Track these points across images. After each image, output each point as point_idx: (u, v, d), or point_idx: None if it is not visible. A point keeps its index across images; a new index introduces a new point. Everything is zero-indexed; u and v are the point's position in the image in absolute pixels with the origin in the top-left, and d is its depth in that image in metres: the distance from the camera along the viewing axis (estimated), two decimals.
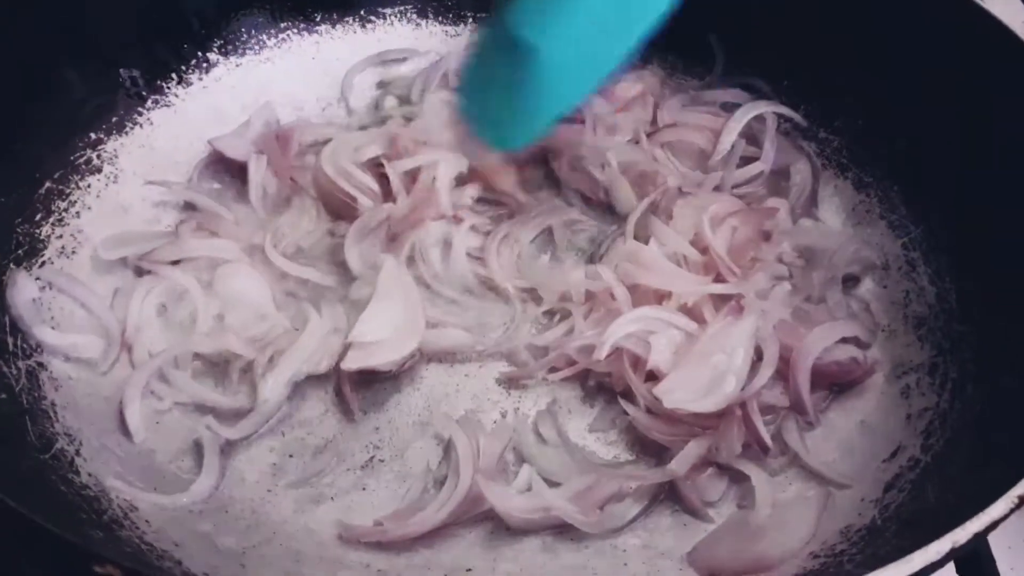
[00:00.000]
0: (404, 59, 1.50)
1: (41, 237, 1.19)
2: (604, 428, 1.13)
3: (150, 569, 0.86)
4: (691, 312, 1.15)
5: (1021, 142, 1.14)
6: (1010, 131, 1.15)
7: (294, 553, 1.01)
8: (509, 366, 1.18)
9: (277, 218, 1.28)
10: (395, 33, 1.52)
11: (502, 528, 1.03)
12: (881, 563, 0.76)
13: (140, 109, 1.34)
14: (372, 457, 1.10)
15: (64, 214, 1.22)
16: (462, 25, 1.54)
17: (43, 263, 1.18)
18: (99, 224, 1.24)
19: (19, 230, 1.17)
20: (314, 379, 1.14)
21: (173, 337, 1.17)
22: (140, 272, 1.21)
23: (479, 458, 1.05)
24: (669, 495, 1.07)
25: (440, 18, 1.54)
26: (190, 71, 1.40)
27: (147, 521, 0.98)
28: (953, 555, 0.74)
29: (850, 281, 1.25)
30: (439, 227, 1.25)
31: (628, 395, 1.11)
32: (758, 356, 1.09)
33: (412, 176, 1.28)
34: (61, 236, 1.21)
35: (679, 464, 1.05)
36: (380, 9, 1.51)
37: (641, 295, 1.17)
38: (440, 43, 1.52)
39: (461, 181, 1.30)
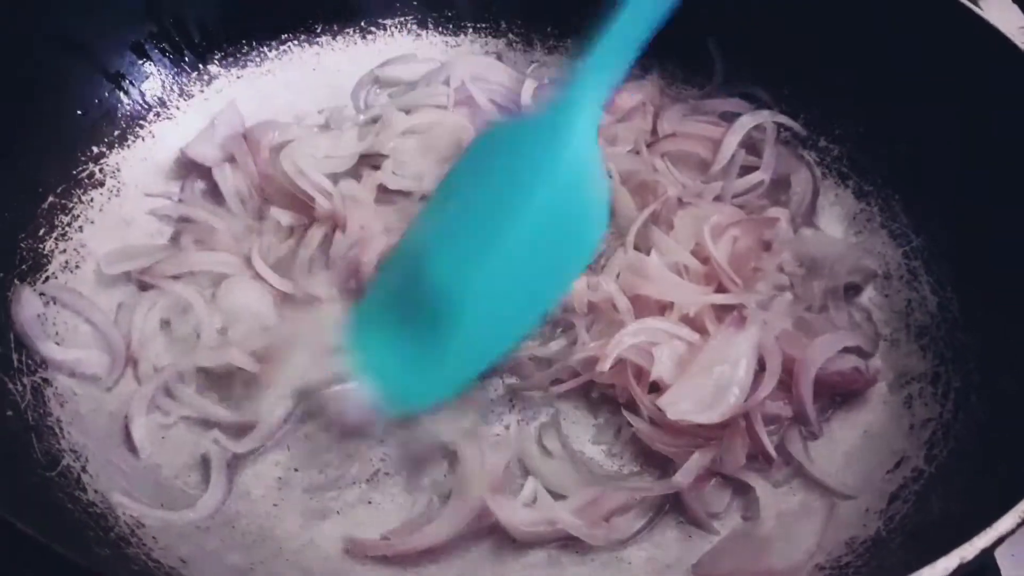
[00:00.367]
0: (405, 63, 1.50)
1: (45, 252, 1.19)
2: (608, 440, 1.14)
3: None
4: (693, 322, 1.15)
5: (1021, 150, 1.14)
6: (1010, 139, 1.16)
7: (301, 568, 1.01)
8: (512, 378, 1.18)
9: (261, 222, 1.28)
10: (395, 44, 1.52)
11: (507, 541, 1.04)
12: None
13: (142, 122, 1.35)
14: (378, 471, 1.10)
15: (67, 228, 1.22)
16: (462, 35, 1.54)
17: (47, 278, 1.18)
18: (102, 238, 1.24)
19: (23, 245, 1.17)
20: None
21: (177, 351, 1.16)
22: (143, 286, 1.21)
23: (489, 473, 1.05)
24: (674, 506, 1.07)
25: (440, 28, 1.54)
26: (191, 83, 1.40)
27: (154, 538, 0.98)
28: (961, 570, 0.75)
29: (852, 290, 1.25)
30: None
31: (632, 407, 1.11)
32: (761, 367, 1.10)
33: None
34: (64, 251, 1.21)
35: (683, 475, 1.05)
36: (380, 20, 1.51)
37: (643, 306, 1.17)
38: (440, 53, 1.53)
39: None
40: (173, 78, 1.38)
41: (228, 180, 1.31)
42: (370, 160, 1.33)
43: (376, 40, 1.51)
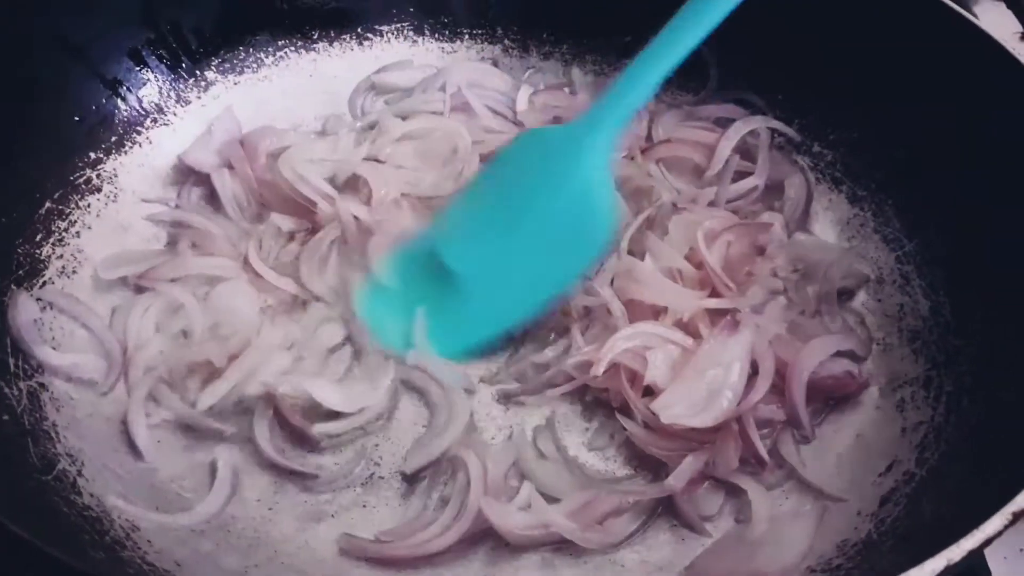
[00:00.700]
0: (401, 70, 1.51)
1: (41, 257, 1.20)
2: (602, 443, 1.14)
3: None
4: (687, 327, 1.16)
5: (1013, 155, 1.15)
6: (1003, 144, 1.16)
7: (296, 571, 1.02)
8: (509, 383, 1.18)
9: (259, 226, 1.29)
10: (392, 50, 1.53)
11: (502, 545, 1.04)
12: None
13: (139, 128, 1.35)
14: (372, 474, 1.10)
15: (64, 234, 1.23)
16: (458, 42, 1.55)
17: (44, 283, 1.18)
18: (99, 243, 1.25)
19: (19, 251, 1.18)
20: None
21: (168, 351, 1.17)
22: (140, 290, 1.22)
23: (487, 480, 1.06)
24: (667, 510, 1.07)
25: (436, 35, 1.55)
26: (188, 90, 1.41)
27: (149, 541, 0.98)
28: (948, 573, 0.75)
29: (845, 295, 1.26)
30: None
31: (626, 410, 1.12)
32: (754, 370, 1.10)
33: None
34: (61, 256, 1.21)
35: (676, 479, 1.06)
36: (377, 27, 1.52)
37: (637, 310, 1.18)
38: (437, 59, 1.54)
39: None
40: (170, 84, 1.39)
41: (226, 186, 1.32)
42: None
43: (373, 47, 1.52)
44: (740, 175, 1.35)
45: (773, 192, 1.36)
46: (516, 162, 1.26)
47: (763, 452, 1.07)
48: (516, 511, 1.05)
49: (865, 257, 1.29)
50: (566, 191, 1.18)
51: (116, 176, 1.31)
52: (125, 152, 1.33)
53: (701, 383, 1.10)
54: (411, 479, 1.09)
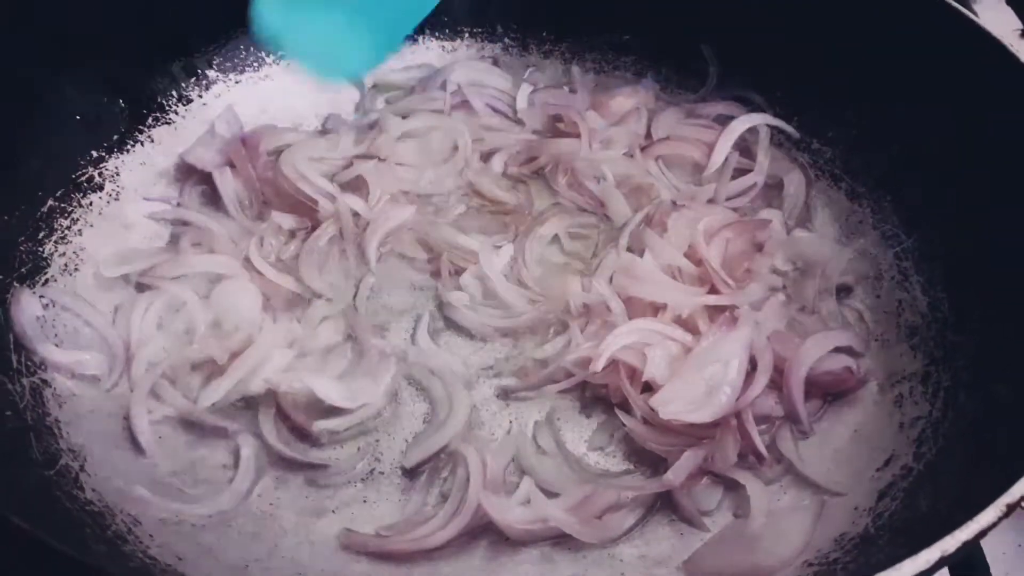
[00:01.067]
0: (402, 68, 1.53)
1: (44, 255, 1.20)
2: (601, 439, 1.14)
3: None
4: (686, 324, 1.16)
5: (1011, 152, 1.15)
6: (1001, 142, 1.17)
7: (297, 565, 1.02)
8: (509, 379, 1.19)
9: (260, 224, 1.29)
10: None
11: (502, 539, 1.05)
12: (873, 571, 0.77)
13: (140, 127, 1.36)
14: (373, 470, 1.11)
15: (66, 232, 1.24)
16: (459, 40, 1.56)
17: (46, 281, 1.19)
18: (101, 241, 1.26)
19: (22, 248, 1.18)
20: None
21: (171, 348, 1.18)
22: (142, 288, 1.22)
23: (486, 475, 1.07)
24: (666, 504, 1.08)
25: (437, 33, 1.55)
26: (190, 88, 1.41)
27: (151, 535, 0.99)
28: (942, 563, 0.76)
29: (843, 291, 1.26)
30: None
31: (625, 406, 1.12)
32: (752, 366, 1.11)
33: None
34: (64, 254, 1.22)
35: (675, 474, 1.06)
36: None
37: (636, 307, 1.18)
38: (436, 58, 1.55)
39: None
40: (172, 83, 1.39)
41: (227, 184, 1.32)
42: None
43: None
44: (739, 172, 1.36)
45: (772, 189, 1.37)
46: None
47: (761, 447, 1.08)
48: (516, 506, 1.06)
49: (864, 254, 1.29)
50: None
51: (118, 174, 1.32)
52: (127, 150, 1.34)
53: (700, 379, 1.10)
54: (411, 474, 1.10)
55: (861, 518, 1.02)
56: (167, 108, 1.39)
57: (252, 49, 1.46)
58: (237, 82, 1.45)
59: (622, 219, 1.30)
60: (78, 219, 1.25)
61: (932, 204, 1.26)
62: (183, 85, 1.40)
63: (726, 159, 1.36)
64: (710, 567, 1.02)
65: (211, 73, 1.43)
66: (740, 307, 1.15)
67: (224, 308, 1.19)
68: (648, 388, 1.12)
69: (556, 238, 1.30)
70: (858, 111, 1.35)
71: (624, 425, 1.11)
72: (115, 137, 1.33)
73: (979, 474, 0.96)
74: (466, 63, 1.53)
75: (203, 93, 1.42)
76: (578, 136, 1.37)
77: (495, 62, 1.54)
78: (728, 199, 1.34)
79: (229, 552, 1.02)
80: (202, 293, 1.21)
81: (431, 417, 1.15)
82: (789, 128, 1.40)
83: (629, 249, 1.24)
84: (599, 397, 1.16)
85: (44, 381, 1.10)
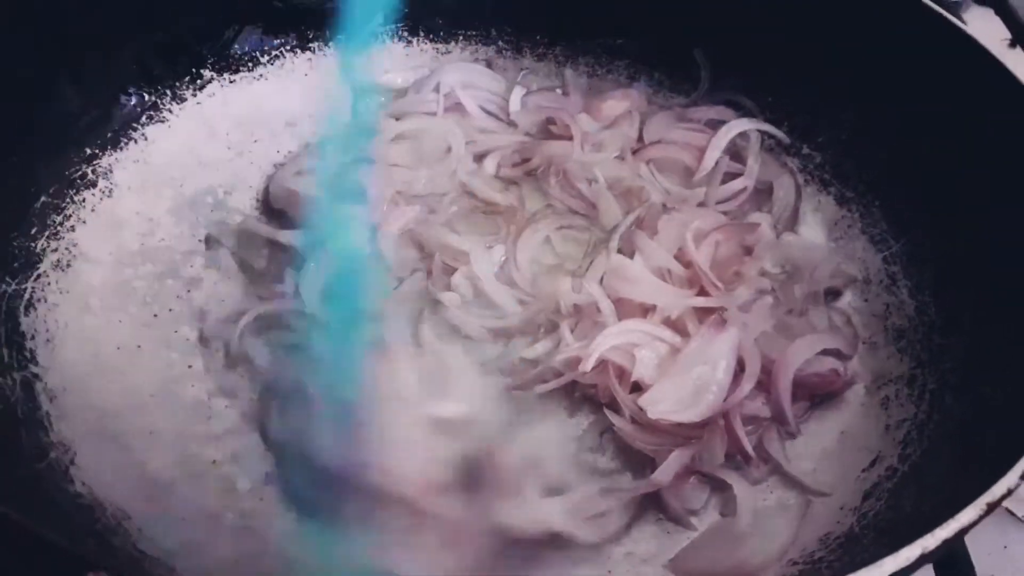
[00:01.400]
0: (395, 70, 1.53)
1: (36, 251, 1.20)
2: (590, 440, 1.15)
3: (141, 574, 0.88)
4: (675, 325, 1.17)
5: (1000, 158, 1.16)
6: (989, 148, 1.18)
7: (286, 560, 1.02)
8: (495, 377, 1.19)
9: None
10: (386, 51, 1.54)
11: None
12: (856, 569, 0.78)
13: (135, 124, 1.36)
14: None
15: (59, 228, 1.24)
16: (452, 43, 1.56)
17: (38, 276, 1.19)
18: (94, 238, 1.26)
19: (14, 244, 1.18)
20: None
21: None
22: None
23: None
24: (653, 504, 1.08)
25: (431, 36, 1.56)
26: (184, 87, 1.42)
27: (140, 529, 0.99)
28: (923, 560, 0.76)
29: (831, 295, 1.27)
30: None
31: (613, 406, 1.13)
32: (740, 368, 1.12)
33: None
34: (56, 250, 1.22)
35: (663, 473, 1.07)
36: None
37: (626, 308, 1.19)
38: (431, 60, 1.55)
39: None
40: (166, 81, 1.40)
41: None
42: None
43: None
44: (730, 176, 1.37)
45: (762, 194, 1.37)
46: None
47: (748, 448, 1.08)
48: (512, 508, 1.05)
49: (852, 257, 1.30)
50: None
51: (111, 172, 1.32)
52: (121, 148, 1.34)
53: (688, 379, 1.11)
54: None
55: (846, 517, 1.03)
56: (161, 107, 1.39)
57: (247, 48, 1.46)
58: (232, 82, 1.45)
59: (613, 221, 1.30)
60: (71, 215, 1.26)
61: (920, 209, 1.27)
62: (177, 84, 1.41)
63: (716, 163, 1.36)
64: (696, 565, 1.03)
65: (206, 72, 1.43)
66: (728, 309, 1.16)
67: None
68: (637, 388, 1.13)
69: (548, 239, 1.30)
70: (849, 117, 1.37)
71: (613, 425, 1.12)
72: (109, 135, 1.33)
73: (963, 475, 0.97)
74: (459, 65, 1.53)
75: (197, 92, 1.43)
76: (570, 139, 1.38)
77: (489, 64, 1.55)
78: (718, 203, 1.34)
79: (218, 547, 1.02)
80: None
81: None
82: (779, 133, 1.41)
83: (620, 251, 1.24)
84: (588, 397, 1.17)
85: (35, 375, 1.10)
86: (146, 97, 1.38)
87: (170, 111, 1.40)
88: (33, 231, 1.21)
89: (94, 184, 1.30)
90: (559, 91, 1.51)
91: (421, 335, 1.21)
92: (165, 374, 1.18)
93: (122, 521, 0.99)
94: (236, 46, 1.45)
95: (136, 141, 1.36)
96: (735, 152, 1.39)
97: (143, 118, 1.37)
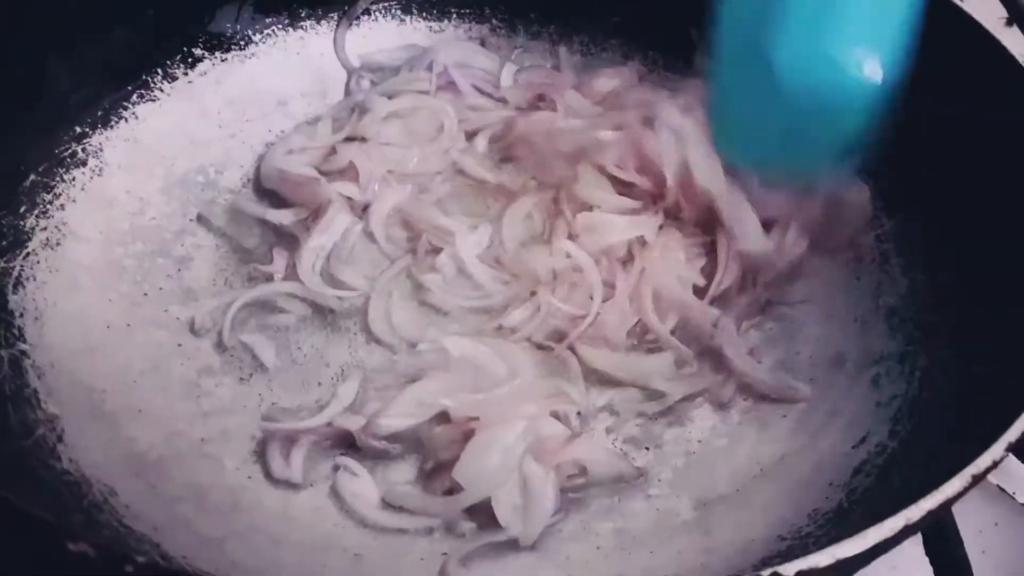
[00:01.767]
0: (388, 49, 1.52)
1: (25, 229, 1.20)
2: None
3: (125, 548, 0.88)
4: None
5: (993, 138, 1.16)
6: (983, 127, 1.18)
7: (275, 539, 1.03)
8: None
9: None
10: (379, 28, 1.53)
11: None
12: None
13: (125, 103, 1.36)
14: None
15: (48, 206, 1.23)
16: (446, 20, 1.55)
17: (27, 255, 1.19)
18: (83, 217, 1.26)
19: (3, 222, 1.18)
20: None
21: None
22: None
23: None
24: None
25: (424, 14, 1.55)
26: (175, 65, 1.41)
27: (127, 506, 0.99)
28: (907, 531, 0.76)
29: None
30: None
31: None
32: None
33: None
34: (45, 228, 1.22)
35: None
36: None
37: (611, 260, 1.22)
38: (424, 38, 1.54)
39: None
40: (156, 60, 1.39)
41: None
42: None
43: (360, 24, 1.52)
44: None
45: None
46: None
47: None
48: None
49: None
50: None
51: (102, 150, 1.32)
52: (111, 126, 1.33)
53: None
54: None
55: (835, 493, 1.03)
56: (152, 85, 1.39)
57: (238, 27, 1.46)
58: (223, 60, 1.45)
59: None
60: (60, 194, 1.25)
61: (913, 188, 1.26)
62: (168, 62, 1.40)
63: None
64: None
65: (196, 51, 1.42)
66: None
67: None
68: None
69: (530, 215, 1.30)
70: None
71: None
72: (99, 113, 1.33)
73: (952, 451, 0.96)
74: (453, 44, 1.52)
75: (188, 71, 1.42)
76: (554, 110, 1.37)
77: (482, 43, 1.54)
78: None
79: (206, 524, 1.01)
80: None
81: None
82: None
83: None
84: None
85: (23, 352, 1.10)
86: (136, 76, 1.37)
87: (161, 90, 1.39)
88: (22, 209, 1.21)
89: (84, 163, 1.29)
90: (549, 65, 1.50)
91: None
92: (154, 353, 1.18)
93: (109, 498, 0.99)
94: (228, 24, 1.45)
95: (127, 120, 1.35)
96: None
97: (133, 97, 1.37)
